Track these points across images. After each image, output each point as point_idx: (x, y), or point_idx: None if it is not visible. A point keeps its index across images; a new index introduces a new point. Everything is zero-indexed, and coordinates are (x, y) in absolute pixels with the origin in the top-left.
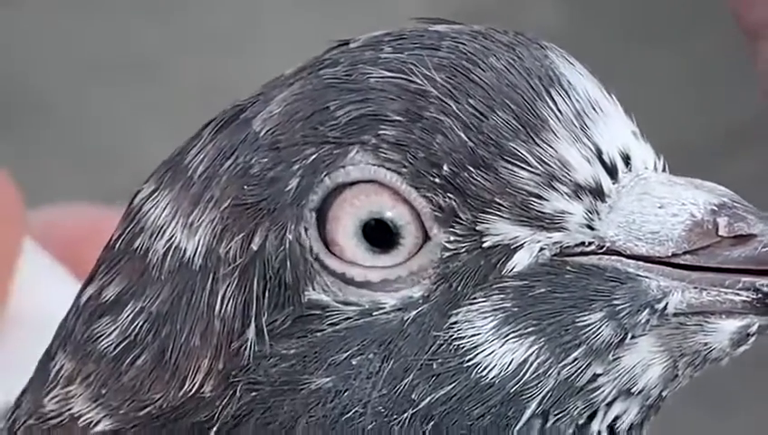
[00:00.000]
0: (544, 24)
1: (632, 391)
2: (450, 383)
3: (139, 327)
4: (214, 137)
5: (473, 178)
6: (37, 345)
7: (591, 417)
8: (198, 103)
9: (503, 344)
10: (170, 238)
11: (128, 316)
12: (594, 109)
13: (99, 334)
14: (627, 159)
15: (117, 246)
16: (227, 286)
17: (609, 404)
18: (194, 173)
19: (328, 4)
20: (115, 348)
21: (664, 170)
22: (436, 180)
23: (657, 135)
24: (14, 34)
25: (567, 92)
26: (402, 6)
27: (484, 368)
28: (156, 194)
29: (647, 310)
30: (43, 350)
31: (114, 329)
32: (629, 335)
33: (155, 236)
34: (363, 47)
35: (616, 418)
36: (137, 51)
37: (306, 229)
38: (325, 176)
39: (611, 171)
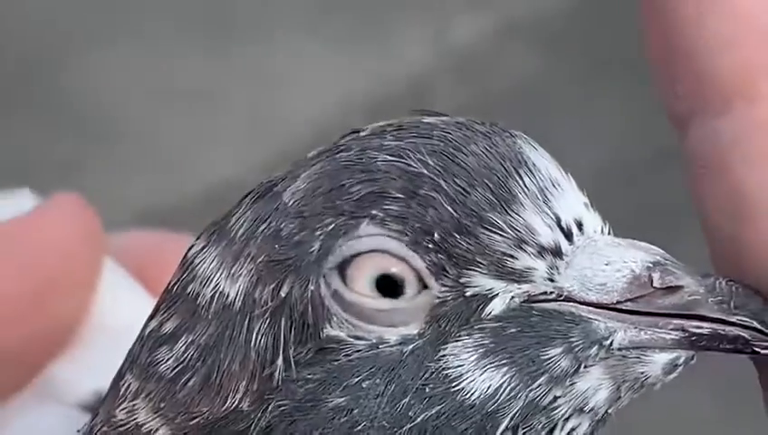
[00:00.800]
0: (521, 67)
1: (584, 409)
2: (440, 404)
3: (190, 356)
4: (252, 206)
5: (458, 242)
6: (116, 350)
7: (552, 430)
8: (249, 131)
9: (482, 374)
10: (216, 286)
11: (181, 347)
12: (554, 185)
13: (158, 360)
14: (580, 226)
15: (174, 290)
16: (260, 325)
17: (566, 419)
18: (235, 235)
19: (355, 50)
20: (171, 371)
21: (610, 233)
22: (430, 245)
23: (605, 153)
24: (100, 71)
25: (533, 172)
26: (412, 55)
27: (468, 392)
28: (205, 250)
29: (596, 346)
30: (121, 354)
31: (170, 356)
32: (582, 365)
33: (204, 283)
34: (371, 136)
35: (571, 430)
36: (198, 84)
37: (328, 282)
38: (343, 244)
39: (568, 235)
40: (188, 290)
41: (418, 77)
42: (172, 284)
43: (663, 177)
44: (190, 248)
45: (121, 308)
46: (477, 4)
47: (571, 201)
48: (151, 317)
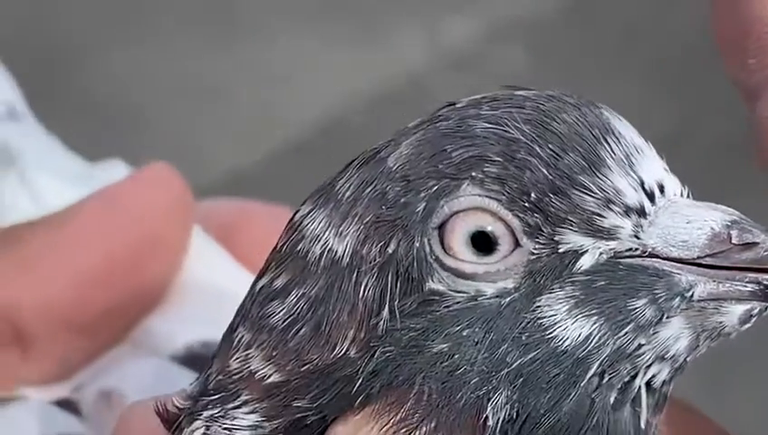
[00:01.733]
0: (516, 65)
1: (666, 357)
2: (535, 350)
3: (301, 307)
4: (357, 171)
5: (552, 202)
6: (206, 306)
7: (635, 376)
8: (254, 125)
9: (574, 322)
10: (325, 244)
11: (293, 300)
12: (638, 152)
13: (270, 313)
14: (662, 188)
15: (283, 249)
16: (368, 279)
17: (648, 366)
18: (342, 197)
19: (354, 50)
20: (283, 322)
21: (688, 196)
22: (526, 204)
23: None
24: (128, 67)
25: (618, 139)
26: (409, 54)
27: (560, 339)
28: (313, 212)
29: (678, 297)
30: (207, 308)
31: (282, 309)
32: (665, 316)
33: (313, 242)
34: (467, 106)
35: (653, 376)
36: (210, 80)
37: (429, 240)
38: (445, 204)
39: (651, 197)
40: (298, 249)
41: (416, 74)
42: (280, 245)
43: None
44: (296, 212)
45: (209, 268)
46: (472, 3)
47: (653, 166)
48: (260, 276)
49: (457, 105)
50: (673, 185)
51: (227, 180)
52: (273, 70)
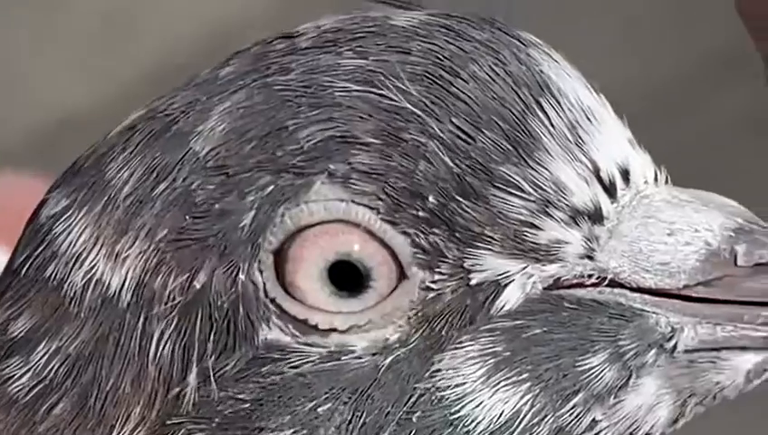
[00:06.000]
0: None
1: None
2: None
3: (54, 371)
4: (142, 151)
5: (461, 209)
6: None
7: None
8: (97, 33)
9: (493, 394)
10: (91, 269)
11: (41, 358)
12: (588, 118)
13: (7, 377)
14: (626, 174)
15: (23, 271)
16: (163, 328)
17: None
18: (118, 193)
19: None
20: (27, 394)
21: (666, 181)
22: (420, 214)
23: (641, 69)
24: None
25: (558, 101)
26: None
27: (472, 421)
28: (70, 213)
29: (654, 349)
30: None
31: (26, 372)
32: (635, 376)
33: (71, 265)
34: (316, 49)
35: None
36: None
37: (262, 271)
38: (286, 215)
39: (610, 189)
40: (48, 274)
41: None
42: (19, 261)
43: (720, 98)
44: (42, 206)
45: None
46: None
47: (613, 139)
48: None
49: (299, 43)
50: (643, 167)
51: (57, 129)
52: None
